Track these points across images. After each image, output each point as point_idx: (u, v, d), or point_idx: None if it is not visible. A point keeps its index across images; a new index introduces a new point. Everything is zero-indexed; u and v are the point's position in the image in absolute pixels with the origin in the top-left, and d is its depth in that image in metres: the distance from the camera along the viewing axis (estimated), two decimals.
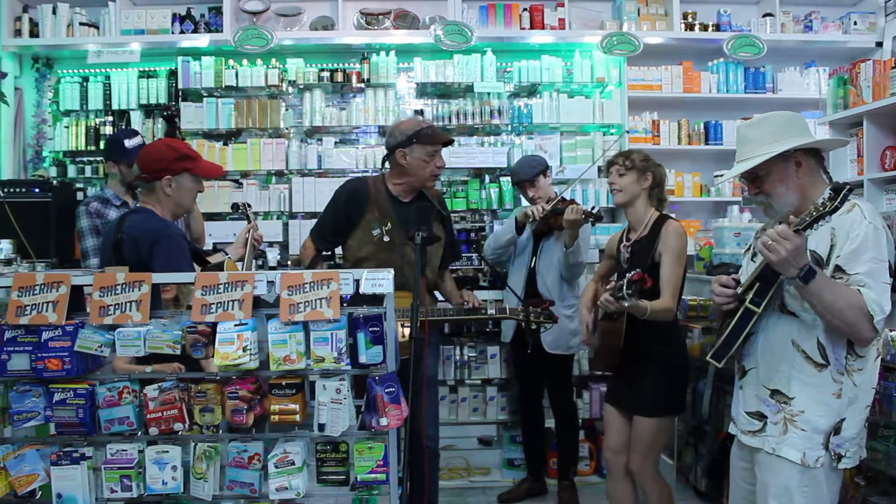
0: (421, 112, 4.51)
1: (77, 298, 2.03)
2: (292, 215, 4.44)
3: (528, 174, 3.60)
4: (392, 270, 2.01)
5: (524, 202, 3.95)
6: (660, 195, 2.84)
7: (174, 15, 4.41)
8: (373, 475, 1.96)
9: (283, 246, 4.40)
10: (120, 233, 2.36)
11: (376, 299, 2.03)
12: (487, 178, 4.58)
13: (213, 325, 1.92)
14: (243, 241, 2.81)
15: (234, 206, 3.08)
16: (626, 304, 2.45)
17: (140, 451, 1.96)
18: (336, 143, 4.59)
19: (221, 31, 4.39)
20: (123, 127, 4.38)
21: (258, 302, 2.02)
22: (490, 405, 4.25)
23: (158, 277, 2.03)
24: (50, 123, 4.55)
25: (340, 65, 4.53)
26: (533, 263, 3.64)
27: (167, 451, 1.95)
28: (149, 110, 4.50)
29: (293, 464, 1.93)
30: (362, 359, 1.95)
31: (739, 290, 2.01)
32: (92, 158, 4.51)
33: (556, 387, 3.75)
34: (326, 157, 4.46)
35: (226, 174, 4.43)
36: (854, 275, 1.85)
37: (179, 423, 1.94)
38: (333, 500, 2.05)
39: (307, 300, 1.94)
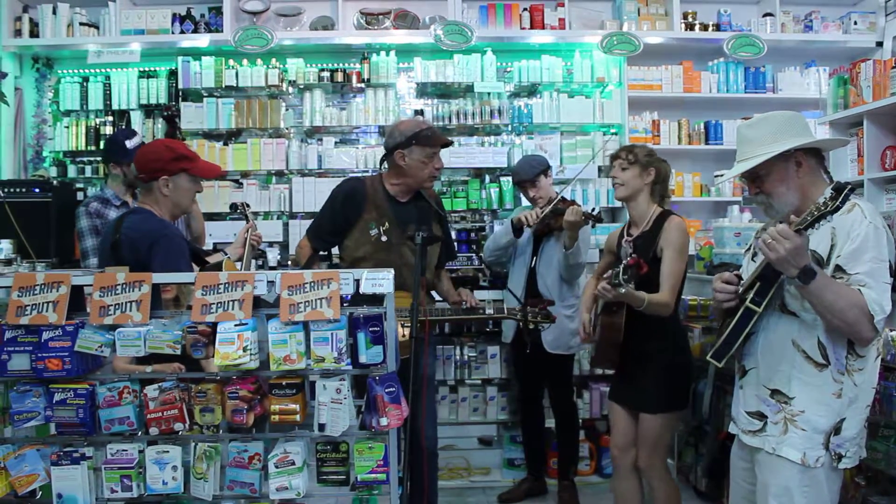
0: (421, 112, 4.51)
1: (77, 298, 2.03)
2: (292, 215, 4.44)
3: (528, 174, 3.60)
4: (392, 270, 2.01)
5: (525, 202, 3.95)
6: (663, 191, 2.83)
7: (174, 15, 4.41)
8: (373, 475, 1.96)
9: (284, 246, 4.40)
10: (118, 233, 2.36)
11: (376, 299, 2.03)
12: (488, 178, 4.59)
13: (214, 325, 1.92)
14: (242, 240, 2.81)
15: (233, 206, 3.08)
16: (622, 291, 2.45)
17: (140, 451, 1.96)
18: (336, 143, 4.59)
19: (221, 31, 4.39)
20: (123, 127, 4.38)
21: (258, 302, 2.02)
22: (490, 405, 4.25)
23: (158, 277, 2.03)
24: (50, 123, 4.55)
25: (340, 65, 4.53)
26: (533, 263, 3.64)
27: (167, 451, 1.95)
28: (149, 110, 4.51)
29: (293, 464, 1.93)
30: (362, 359, 1.95)
31: (740, 289, 2.01)
32: (92, 158, 4.51)
33: (556, 386, 3.75)
34: (326, 157, 4.46)
35: (225, 174, 4.44)
36: (854, 274, 1.85)
37: (180, 423, 1.94)
38: (334, 500, 2.05)
39: (307, 300, 1.94)
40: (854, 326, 1.83)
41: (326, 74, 4.45)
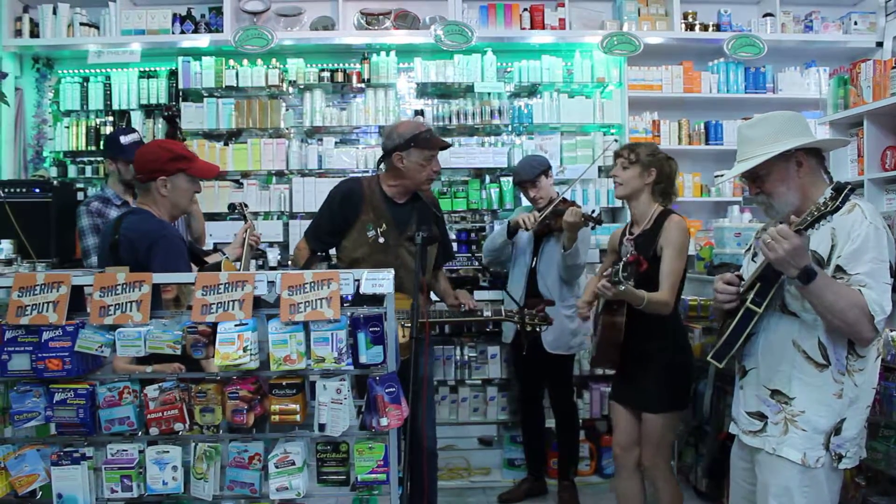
0: (421, 112, 4.51)
1: (77, 298, 2.03)
2: (293, 215, 4.44)
3: (529, 174, 3.60)
4: (392, 270, 2.01)
5: (525, 202, 3.95)
6: (666, 189, 2.82)
7: (174, 15, 4.41)
8: (373, 475, 1.96)
9: (284, 246, 4.40)
10: (117, 234, 2.36)
11: (376, 299, 2.03)
12: (488, 179, 4.59)
13: (214, 326, 1.92)
14: (241, 241, 2.82)
15: (231, 207, 3.08)
16: (622, 289, 2.45)
17: (140, 452, 1.96)
18: (336, 143, 4.59)
19: (222, 32, 4.39)
20: (123, 126, 4.38)
21: (258, 302, 2.02)
22: (490, 405, 4.25)
23: (159, 277, 2.03)
24: (50, 123, 4.55)
25: (341, 65, 4.53)
26: (534, 264, 3.64)
27: (167, 452, 1.95)
28: (149, 110, 4.51)
29: (293, 464, 1.93)
30: (363, 359, 1.96)
31: (741, 289, 2.01)
32: (92, 158, 4.52)
33: (556, 387, 3.75)
34: (327, 157, 4.46)
35: (225, 174, 4.44)
36: (855, 275, 1.85)
37: (180, 424, 1.94)
38: (334, 500, 2.05)
39: (307, 300, 1.94)
40: (854, 327, 1.83)
41: (327, 74, 4.45)
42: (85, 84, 4.50)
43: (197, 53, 4.47)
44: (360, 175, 4.18)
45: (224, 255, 2.79)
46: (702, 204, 4.79)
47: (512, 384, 4.22)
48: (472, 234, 4.49)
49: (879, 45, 4.60)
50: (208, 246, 3.82)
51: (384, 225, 2.90)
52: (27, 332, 1.93)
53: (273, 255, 4.28)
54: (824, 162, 2.08)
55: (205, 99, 4.45)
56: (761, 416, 2.02)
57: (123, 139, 3.23)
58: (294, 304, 1.93)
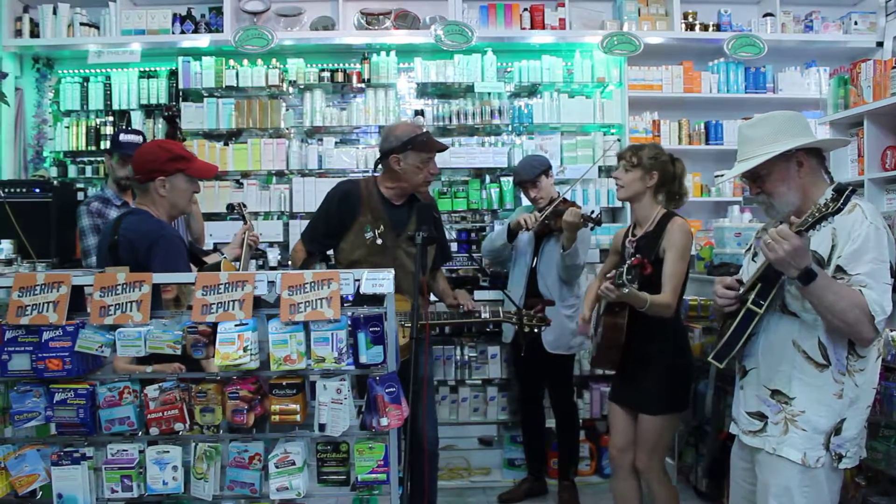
0: (421, 112, 4.51)
1: (77, 298, 2.03)
2: (293, 215, 4.44)
3: (529, 174, 3.60)
4: (392, 270, 2.01)
5: (525, 202, 3.95)
6: (674, 190, 2.80)
7: (174, 15, 4.41)
8: (373, 475, 1.96)
9: (284, 246, 4.40)
10: (116, 234, 2.36)
11: (376, 300, 2.03)
12: (488, 178, 4.59)
13: (214, 326, 1.92)
14: (239, 241, 2.82)
15: (230, 207, 3.08)
16: (625, 291, 2.45)
17: (141, 452, 1.96)
18: (336, 143, 4.59)
19: (222, 32, 4.39)
20: (123, 126, 4.39)
21: (259, 302, 2.02)
22: (490, 405, 4.25)
23: (159, 277, 2.03)
24: (50, 123, 4.55)
25: (341, 65, 4.53)
26: (534, 264, 3.64)
27: (168, 451, 1.95)
28: (149, 110, 4.51)
29: (294, 464, 1.93)
30: (363, 359, 1.95)
31: (741, 290, 2.01)
32: (92, 159, 4.52)
33: (556, 387, 3.75)
34: (327, 157, 4.46)
35: (225, 174, 4.44)
36: (855, 275, 1.85)
37: (180, 424, 1.94)
38: (334, 500, 2.05)
39: (308, 300, 1.94)
40: (855, 327, 1.83)
41: (327, 74, 4.45)
42: (85, 84, 4.50)
43: (197, 53, 4.47)
44: (357, 176, 4.18)
45: (223, 255, 2.79)
46: (702, 204, 4.79)
47: (512, 384, 4.22)
48: (472, 234, 4.49)
49: (880, 45, 4.60)
50: (208, 246, 3.82)
51: (382, 226, 2.90)
52: (27, 332, 1.93)
53: (273, 255, 4.28)
54: (825, 162, 2.08)
55: (205, 99, 4.45)
56: (761, 416, 2.02)
57: (123, 137, 3.24)
58: (294, 304, 1.93)
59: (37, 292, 1.96)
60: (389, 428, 1.96)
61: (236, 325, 1.91)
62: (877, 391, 2.15)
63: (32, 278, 1.97)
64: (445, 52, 4.42)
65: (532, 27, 4.53)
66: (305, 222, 3.73)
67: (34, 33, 4.41)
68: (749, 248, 2.24)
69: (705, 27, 4.65)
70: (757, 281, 1.94)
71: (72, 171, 4.51)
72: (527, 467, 3.96)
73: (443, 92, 4.60)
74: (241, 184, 4.46)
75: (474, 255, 4.18)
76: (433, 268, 3.13)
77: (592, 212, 3.35)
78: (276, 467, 1.93)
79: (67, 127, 4.50)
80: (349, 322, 1.95)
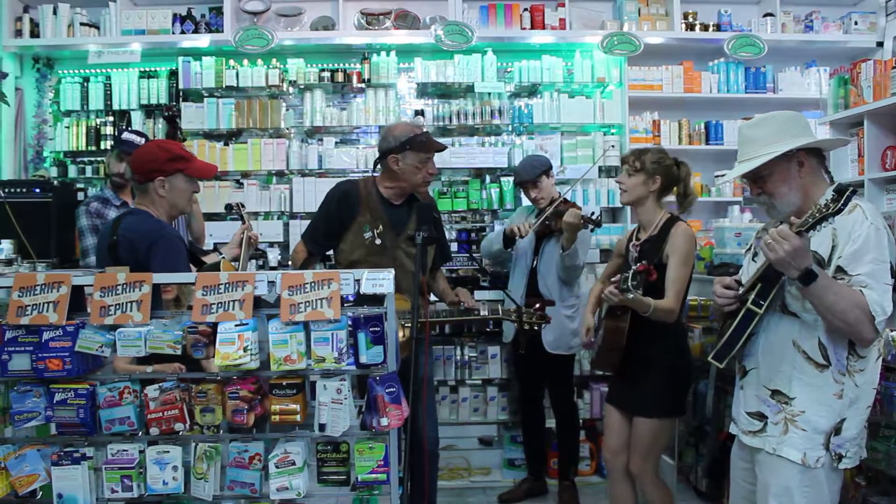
0: (421, 112, 4.51)
1: (78, 299, 2.03)
2: (293, 215, 4.44)
3: (530, 175, 3.60)
4: (392, 270, 2.01)
5: (525, 202, 3.95)
6: (681, 192, 2.80)
7: (175, 15, 4.41)
8: (373, 475, 1.96)
9: (284, 246, 4.40)
10: (115, 234, 2.35)
11: (376, 300, 2.03)
12: (488, 178, 4.59)
13: (214, 326, 1.92)
14: (238, 241, 2.82)
15: (228, 207, 3.07)
16: (629, 297, 2.45)
17: (141, 452, 1.96)
18: (337, 143, 4.59)
19: (222, 32, 4.39)
20: (124, 127, 4.39)
21: (259, 302, 2.02)
22: (490, 405, 4.25)
23: (159, 277, 2.03)
24: (50, 124, 4.55)
25: (341, 65, 4.53)
26: (534, 264, 3.64)
27: (168, 452, 1.95)
28: (149, 110, 4.50)
29: (294, 464, 1.93)
30: (363, 359, 1.96)
31: (741, 290, 2.01)
32: (92, 159, 4.51)
33: (556, 387, 3.75)
34: (327, 157, 4.47)
35: (225, 174, 4.44)
36: (856, 276, 1.85)
37: (180, 424, 1.94)
38: (334, 500, 2.05)
39: (308, 300, 1.94)
40: (855, 327, 1.83)
41: (327, 74, 4.45)
42: (85, 84, 4.50)
43: (197, 53, 4.47)
44: (357, 177, 4.19)
45: (221, 255, 2.79)
46: (702, 204, 4.77)
47: (512, 384, 4.22)
48: (473, 234, 4.49)
49: (880, 44, 4.60)
50: (208, 246, 3.82)
51: (381, 226, 2.90)
52: (27, 332, 1.93)
53: (273, 255, 4.28)
54: (825, 162, 2.08)
55: (205, 99, 4.45)
56: (761, 417, 2.02)
57: (126, 135, 3.25)
58: (294, 304, 1.93)
59: (37, 292, 1.96)
60: (389, 428, 1.96)
61: (236, 325, 1.91)
62: (877, 391, 2.15)
63: (32, 278, 1.97)
64: (445, 52, 4.42)
65: (532, 27, 4.53)
66: (305, 222, 3.75)
67: (34, 33, 4.42)
68: (749, 248, 2.24)
69: (705, 27, 4.65)
70: (757, 281, 1.94)
71: (72, 172, 4.51)
72: (527, 467, 3.97)
73: (443, 92, 4.60)
74: (241, 184, 4.46)
75: (474, 255, 4.18)
76: (433, 268, 3.12)
77: (592, 213, 3.35)
78: (277, 467, 1.93)
79: (67, 127, 4.50)
80: (349, 322, 1.95)
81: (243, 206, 3.07)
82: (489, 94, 4.52)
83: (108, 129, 4.46)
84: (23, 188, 3.74)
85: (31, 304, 1.94)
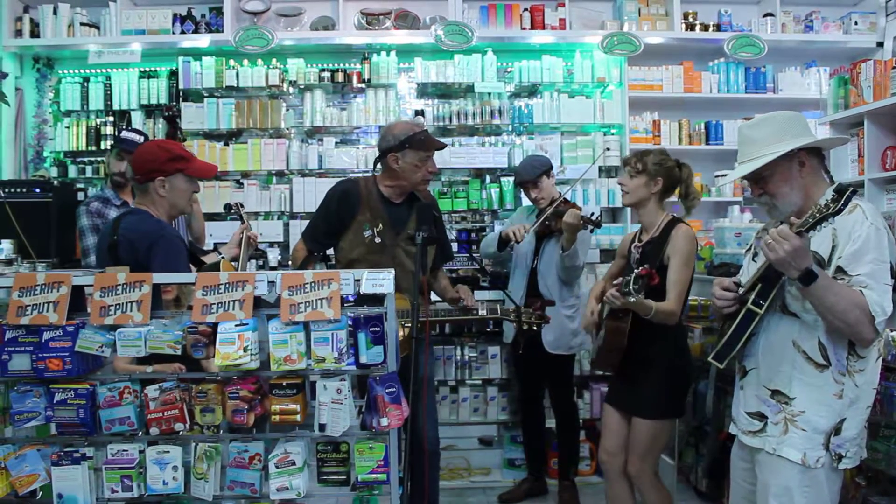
0: (421, 112, 4.51)
1: (78, 299, 2.03)
2: (293, 215, 4.44)
3: (530, 175, 3.60)
4: (392, 271, 2.01)
5: (525, 201, 3.95)
6: (682, 193, 2.79)
7: (175, 15, 4.41)
8: (373, 475, 1.96)
9: (284, 246, 4.40)
10: (116, 234, 2.35)
11: (376, 299, 2.03)
12: (488, 178, 4.59)
13: (214, 326, 1.92)
14: (237, 240, 2.82)
15: (227, 207, 3.07)
16: (631, 300, 2.45)
17: (141, 452, 1.96)
18: (337, 143, 4.59)
19: (222, 32, 4.40)
20: (124, 126, 4.39)
21: (259, 302, 2.02)
22: (490, 405, 4.25)
23: (159, 277, 2.03)
24: (51, 124, 4.55)
25: (341, 65, 4.53)
26: (534, 264, 3.64)
27: (168, 452, 1.95)
28: (149, 110, 4.51)
29: (294, 464, 1.93)
30: (363, 359, 1.95)
31: (741, 290, 2.00)
32: (93, 159, 4.52)
33: (556, 387, 3.75)
34: (327, 157, 4.47)
35: (225, 174, 4.44)
36: (856, 276, 1.85)
37: (180, 424, 1.94)
38: (334, 500, 2.05)
39: (308, 300, 1.94)
40: (855, 328, 1.83)
41: (327, 75, 4.45)
42: (85, 84, 4.50)
43: (197, 53, 4.47)
44: (357, 175, 4.19)
45: (220, 255, 2.79)
46: (702, 204, 4.74)
47: (512, 384, 4.22)
48: (473, 235, 4.49)
49: (880, 45, 4.60)
50: (208, 245, 3.82)
51: (381, 225, 2.90)
52: (27, 332, 1.93)
53: (273, 255, 4.28)
54: (824, 161, 2.08)
55: (205, 99, 4.45)
56: (761, 417, 2.02)
57: (126, 133, 3.25)
58: (294, 304, 1.93)
59: (37, 292, 1.96)
60: (389, 428, 1.96)
61: (236, 325, 1.91)
62: (877, 391, 2.15)
63: (32, 278, 1.97)
64: (445, 52, 4.42)
65: (532, 27, 4.53)
66: (306, 223, 3.75)
67: (34, 33, 4.42)
68: (749, 249, 2.24)
69: (705, 27, 4.65)
70: (757, 281, 1.94)
71: (72, 172, 4.51)
72: (527, 467, 3.97)
73: (443, 92, 4.60)
74: (242, 184, 4.46)
75: (474, 255, 4.19)
76: (434, 267, 3.13)
77: (592, 214, 3.35)
78: (277, 467, 1.93)
79: (68, 127, 4.50)
80: (349, 322, 1.95)
81: (242, 206, 3.08)
82: (489, 94, 4.52)
83: (109, 129, 4.46)
84: (23, 188, 3.74)
85: (31, 304, 1.94)
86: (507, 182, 4.44)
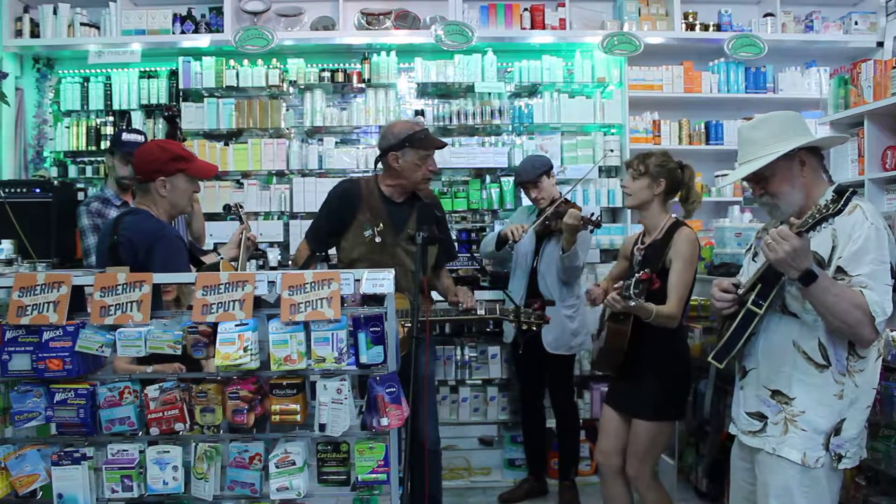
0: (422, 112, 4.51)
1: (78, 298, 2.03)
2: (293, 215, 4.44)
3: (530, 175, 3.60)
4: (393, 270, 2.01)
5: (526, 202, 3.95)
6: (684, 196, 2.78)
7: (175, 15, 4.41)
8: (374, 475, 1.96)
9: (284, 246, 4.40)
10: (116, 234, 2.36)
11: (377, 299, 2.03)
12: (488, 178, 4.59)
13: (214, 326, 1.92)
14: (236, 241, 2.82)
15: (226, 207, 3.08)
16: (632, 304, 2.45)
17: (141, 452, 1.96)
18: (337, 143, 4.59)
19: (222, 32, 4.40)
20: (123, 127, 4.39)
21: (259, 302, 2.02)
22: (491, 405, 4.25)
23: (159, 277, 2.03)
24: (51, 124, 4.55)
25: (341, 65, 4.53)
26: (535, 264, 3.64)
27: (168, 452, 1.95)
28: (150, 110, 4.51)
29: (294, 464, 1.93)
30: (363, 359, 1.95)
31: (741, 291, 2.00)
32: (93, 159, 4.52)
33: (556, 387, 3.75)
34: (327, 157, 4.47)
35: (225, 174, 4.44)
36: (856, 276, 1.84)
37: (180, 424, 1.94)
38: (334, 500, 2.06)
39: (308, 300, 1.94)
40: (855, 328, 1.83)
41: (327, 74, 4.45)
42: (85, 84, 4.50)
43: (197, 53, 4.47)
44: (358, 175, 4.19)
45: (219, 255, 2.80)
46: (702, 204, 4.76)
47: (512, 384, 4.22)
48: (473, 234, 4.49)
49: (880, 44, 4.60)
50: (208, 245, 3.82)
51: (381, 224, 2.90)
52: (28, 332, 1.93)
53: (273, 256, 4.29)
54: (823, 161, 2.08)
55: (205, 99, 4.45)
56: (761, 417, 2.02)
57: (125, 136, 3.25)
58: (294, 304, 1.93)
59: (37, 292, 1.96)
60: (390, 428, 1.96)
61: (237, 325, 1.91)
62: (877, 391, 2.14)
63: (33, 278, 1.97)
64: (446, 52, 4.42)
65: (532, 27, 4.53)
66: (306, 222, 3.75)
67: (34, 33, 4.42)
68: (749, 249, 2.24)
69: (705, 27, 4.65)
70: (757, 281, 1.94)
71: (72, 172, 4.51)
72: (527, 467, 3.96)
73: (443, 92, 4.60)
74: (242, 184, 4.47)
75: (474, 255, 4.19)
76: (436, 266, 3.13)
77: (592, 214, 3.35)
78: (277, 467, 1.93)
79: (68, 127, 4.50)
80: (350, 322, 1.95)
81: (241, 206, 3.08)
82: (489, 94, 4.52)
83: (109, 129, 4.46)
84: (23, 188, 3.74)
85: (31, 304, 1.94)
86: (508, 182, 4.44)
